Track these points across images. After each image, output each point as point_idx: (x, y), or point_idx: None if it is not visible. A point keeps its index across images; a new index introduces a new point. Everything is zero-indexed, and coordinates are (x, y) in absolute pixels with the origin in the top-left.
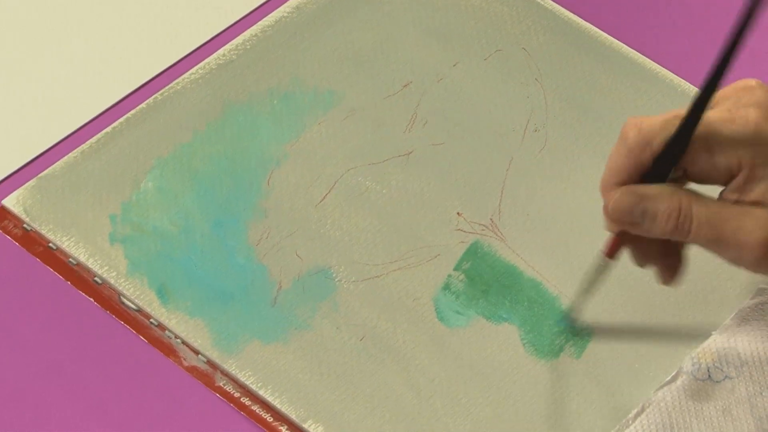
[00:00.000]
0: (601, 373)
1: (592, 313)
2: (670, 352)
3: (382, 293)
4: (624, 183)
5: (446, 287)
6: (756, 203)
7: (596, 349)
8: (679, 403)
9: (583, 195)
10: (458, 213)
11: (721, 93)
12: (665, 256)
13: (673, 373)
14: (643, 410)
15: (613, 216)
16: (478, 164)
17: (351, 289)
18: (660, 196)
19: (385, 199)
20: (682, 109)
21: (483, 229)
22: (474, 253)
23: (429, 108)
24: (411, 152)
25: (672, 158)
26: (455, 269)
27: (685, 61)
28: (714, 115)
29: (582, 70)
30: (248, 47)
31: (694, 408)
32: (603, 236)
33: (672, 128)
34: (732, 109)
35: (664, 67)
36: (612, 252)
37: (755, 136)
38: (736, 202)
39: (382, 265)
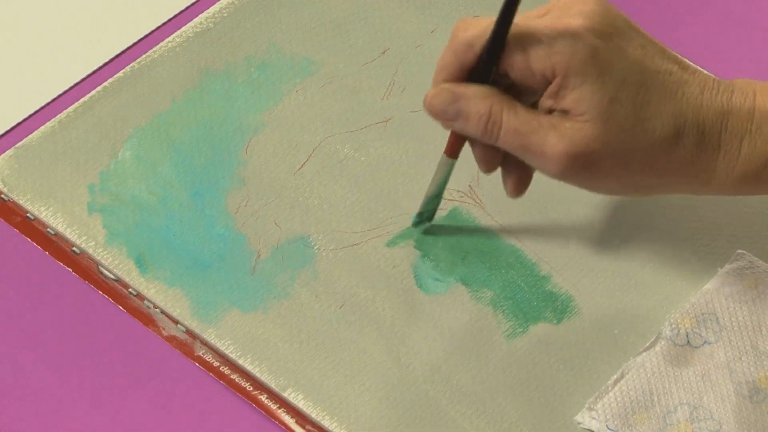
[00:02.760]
0: (580, 339)
1: (572, 279)
2: (649, 317)
3: (361, 261)
4: (450, 80)
5: (425, 254)
6: (565, 111)
7: (575, 315)
8: (659, 369)
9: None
10: None
11: (554, 2)
12: (509, 162)
13: (652, 339)
14: (622, 376)
15: (430, 110)
16: None
17: (330, 257)
18: (473, 98)
19: (363, 166)
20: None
21: (462, 196)
22: (453, 219)
23: (407, 75)
24: (389, 119)
25: (490, 60)
26: (434, 236)
27: (666, 32)
28: (537, 22)
29: None
30: (225, 15)
31: (674, 373)
32: (581, 201)
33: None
34: (558, 16)
35: None
36: (451, 149)
37: (572, 44)
38: (550, 110)
39: (361, 233)
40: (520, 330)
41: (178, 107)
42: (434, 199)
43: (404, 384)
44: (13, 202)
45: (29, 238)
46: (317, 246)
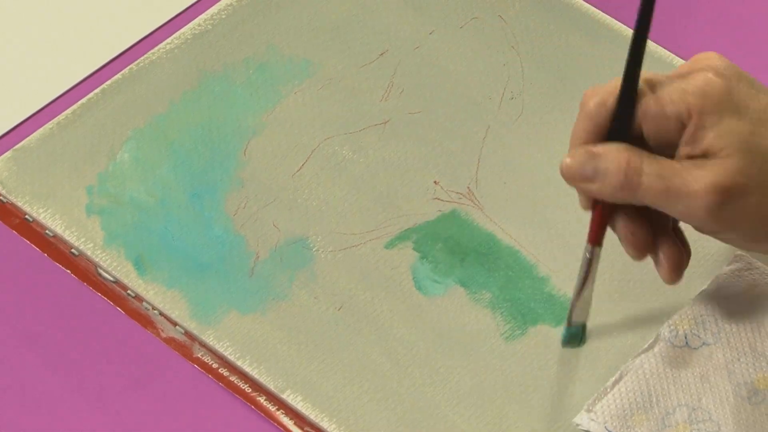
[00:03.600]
0: (578, 341)
1: (570, 281)
2: (647, 319)
3: (359, 263)
4: (584, 137)
5: (424, 256)
6: (706, 153)
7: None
8: (657, 370)
9: (559, 162)
10: (435, 182)
11: (682, 65)
12: (660, 245)
13: (651, 341)
14: (621, 378)
15: (567, 173)
16: (455, 132)
17: (328, 258)
18: (610, 152)
19: (362, 168)
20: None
21: (460, 198)
22: (451, 221)
23: (405, 77)
24: (388, 121)
25: (625, 112)
26: (432, 238)
27: (660, 28)
28: (666, 75)
29: (558, 38)
30: (224, 17)
31: (672, 374)
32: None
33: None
34: (685, 70)
35: None
36: (595, 236)
37: (705, 87)
38: (690, 156)
39: (360, 235)
40: (519, 332)
41: (177, 109)
42: (585, 305)
43: (403, 386)
44: (12, 204)
45: (28, 239)
46: (316, 247)
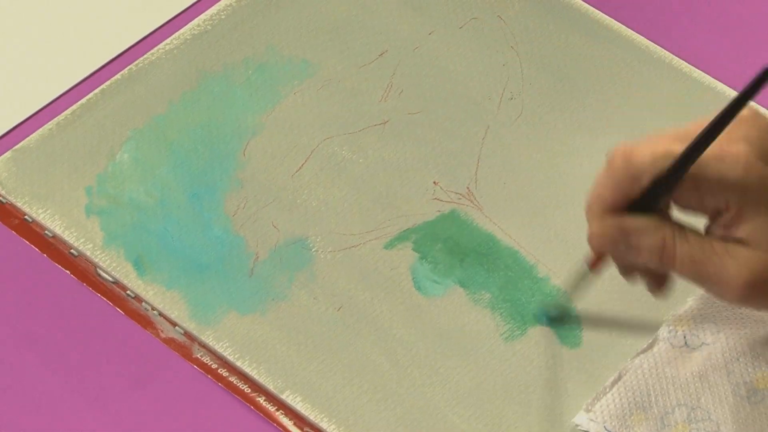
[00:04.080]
0: (578, 341)
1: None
2: (646, 319)
3: (359, 263)
4: (609, 210)
5: (423, 256)
6: (741, 240)
7: (572, 317)
8: (656, 370)
9: (559, 163)
10: (435, 182)
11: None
12: (651, 269)
13: (650, 341)
14: (620, 378)
15: (597, 246)
16: (455, 133)
17: (328, 259)
18: (644, 231)
19: (361, 168)
20: (672, 141)
21: (460, 198)
22: (451, 221)
23: (405, 77)
24: (387, 121)
25: (660, 195)
26: (432, 238)
27: (660, 28)
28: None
29: (558, 38)
30: (223, 17)
31: (671, 374)
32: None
33: (662, 165)
34: (723, 145)
35: (639, 34)
36: (596, 267)
37: (744, 177)
38: (722, 237)
39: (359, 235)
40: (519, 332)
41: (176, 109)
42: (569, 305)
43: (402, 386)
44: (11, 205)
45: (27, 240)
46: (315, 248)
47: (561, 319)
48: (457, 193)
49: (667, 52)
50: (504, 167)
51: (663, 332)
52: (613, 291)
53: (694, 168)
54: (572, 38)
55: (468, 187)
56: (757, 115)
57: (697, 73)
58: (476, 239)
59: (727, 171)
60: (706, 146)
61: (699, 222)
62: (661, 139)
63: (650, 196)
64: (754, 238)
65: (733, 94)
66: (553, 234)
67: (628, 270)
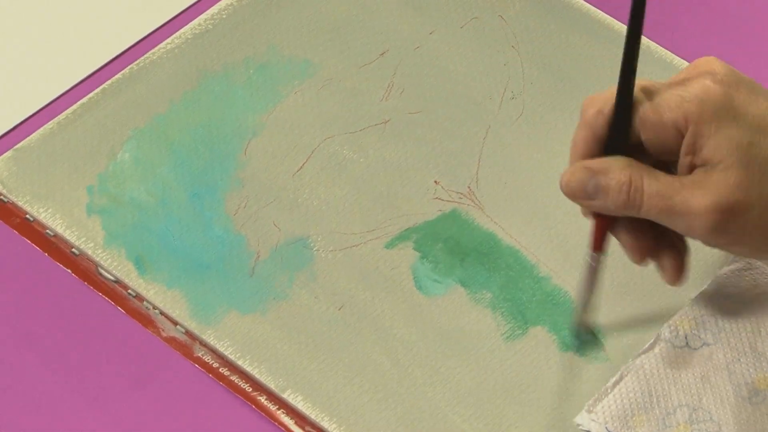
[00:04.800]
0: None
1: (571, 281)
2: (647, 319)
3: (360, 262)
4: (584, 149)
5: (424, 256)
6: (705, 163)
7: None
8: (658, 371)
9: (560, 162)
10: (436, 181)
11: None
12: (661, 249)
13: (651, 341)
14: (621, 378)
15: (567, 191)
16: (456, 132)
17: (329, 258)
18: (611, 170)
19: (362, 168)
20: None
21: (461, 198)
22: (452, 221)
23: (405, 76)
24: (388, 121)
25: (623, 120)
26: (433, 238)
27: (661, 28)
28: (665, 82)
29: (558, 37)
30: (224, 17)
31: (673, 375)
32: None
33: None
34: (683, 77)
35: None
36: (598, 243)
37: (703, 92)
38: (692, 166)
39: (360, 234)
40: (520, 332)
41: (177, 109)
42: (590, 308)
43: (403, 385)
44: (12, 204)
45: (28, 239)
46: (316, 247)
47: (592, 341)
48: (458, 192)
49: (668, 52)
50: (505, 167)
51: (664, 332)
52: (614, 290)
53: (653, 93)
54: (573, 38)
55: (469, 187)
56: (719, 60)
57: (677, 61)
58: (477, 239)
59: (684, 90)
60: (638, 38)
61: None
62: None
63: (616, 128)
64: (716, 156)
65: None
66: (554, 233)
67: (632, 247)
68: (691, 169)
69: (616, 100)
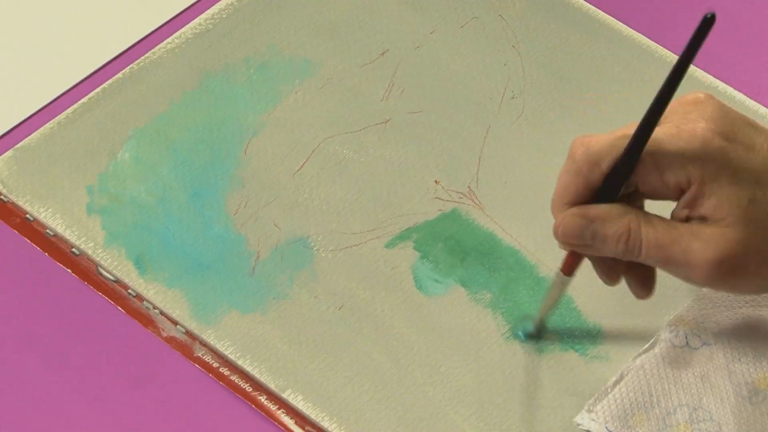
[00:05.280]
0: (579, 341)
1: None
2: (648, 319)
3: (360, 262)
4: (574, 203)
5: (424, 256)
6: (704, 219)
7: (574, 317)
8: (658, 371)
9: (560, 163)
10: (436, 181)
11: (670, 107)
12: (632, 269)
13: (651, 341)
14: (621, 378)
15: (563, 239)
16: (456, 132)
17: (329, 258)
18: (609, 218)
19: (362, 167)
20: (629, 127)
21: (461, 197)
22: (452, 221)
23: (406, 76)
24: (388, 120)
25: (621, 178)
26: (433, 237)
27: (661, 28)
28: (661, 131)
29: (559, 37)
30: (224, 16)
31: (673, 375)
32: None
33: (620, 148)
34: (680, 124)
35: (641, 33)
36: (570, 270)
37: (703, 151)
38: (687, 218)
39: (360, 234)
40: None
41: (177, 108)
42: (548, 316)
43: (403, 385)
44: (13, 203)
45: (28, 239)
46: (316, 247)
47: (537, 334)
48: (458, 192)
49: (668, 51)
50: (505, 166)
51: (665, 333)
52: (615, 290)
53: (653, 147)
54: (573, 37)
55: (469, 187)
56: (711, 97)
57: (699, 73)
58: (477, 238)
59: (685, 145)
60: (659, 115)
61: (667, 214)
62: (615, 131)
63: (612, 180)
64: (718, 214)
65: (734, 93)
66: None
67: (605, 271)
68: (687, 218)
69: (620, 160)
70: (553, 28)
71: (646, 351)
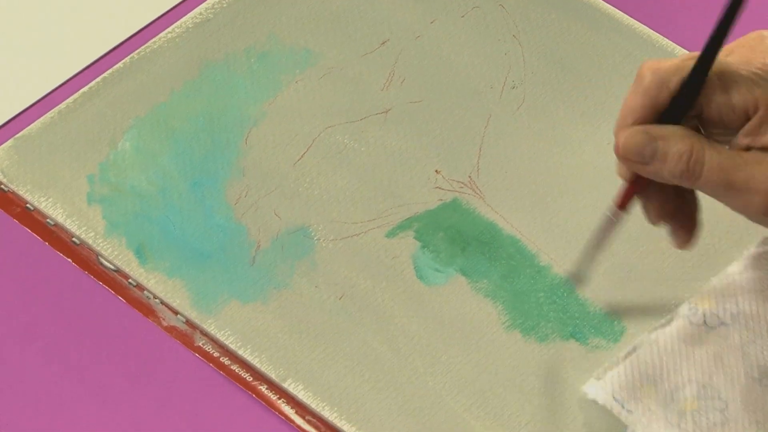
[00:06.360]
0: (580, 330)
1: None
2: (652, 306)
3: (360, 252)
4: (638, 120)
5: (425, 245)
6: (766, 148)
7: (577, 304)
8: (671, 346)
9: (561, 152)
10: (437, 171)
11: (737, 43)
12: (679, 214)
13: (668, 316)
14: (634, 350)
15: (623, 154)
16: (456, 122)
17: (330, 247)
18: (672, 137)
19: (363, 157)
20: (693, 54)
21: (461, 187)
22: (453, 210)
23: (406, 66)
24: (389, 110)
25: (688, 97)
26: (434, 227)
27: (662, 17)
28: (731, 59)
29: (559, 27)
30: (225, 6)
31: (686, 351)
32: (581, 192)
33: (689, 68)
34: (749, 54)
35: (641, 22)
36: (624, 202)
37: None
38: (748, 147)
39: (361, 224)
40: (520, 321)
41: (178, 98)
42: (594, 259)
43: (404, 375)
44: (13, 193)
45: (29, 228)
46: (317, 236)
47: (581, 277)
48: (458, 181)
49: (669, 41)
50: (506, 156)
51: (683, 309)
52: (618, 278)
53: (722, 71)
54: (574, 27)
55: (470, 176)
56: None
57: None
58: (478, 228)
59: (754, 71)
60: (727, 30)
61: None
62: (682, 56)
63: (679, 101)
64: None
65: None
66: (555, 223)
67: (653, 207)
68: (747, 149)
69: (688, 78)
70: (554, 17)
71: (663, 326)
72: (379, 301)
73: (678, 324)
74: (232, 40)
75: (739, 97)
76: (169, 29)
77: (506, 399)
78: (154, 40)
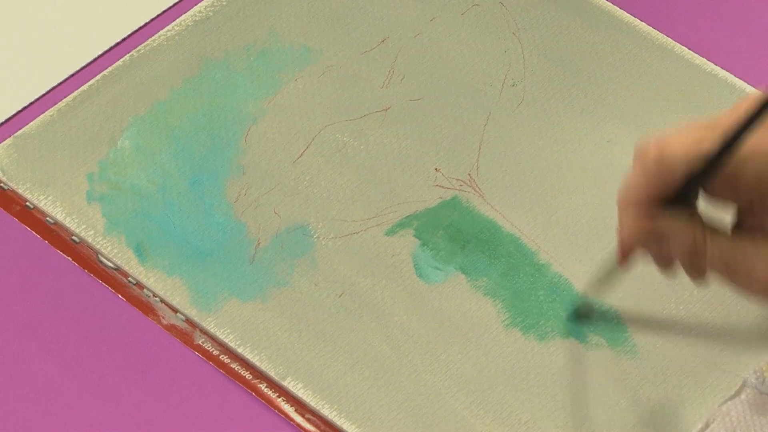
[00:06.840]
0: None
1: (571, 268)
2: (654, 300)
3: (360, 250)
4: (642, 204)
5: (425, 243)
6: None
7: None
8: (744, 418)
9: (561, 150)
10: (436, 169)
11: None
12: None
13: (738, 387)
14: (707, 425)
15: (627, 243)
16: (456, 119)
17: (329, 245)
18: (676, 232)
19: (362, 155)
20: (704, 130)
21: (461, 185)
22: (452, 208)
23: (406, 63)
24: (388, 108)
25: (694, 189)
26: (433, 225)
27: (662, 15)
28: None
29: (559, 24)
30: (224, 3)
31: (759, 422)
32: (581, 190)
33: (697, 154)
34: (761, 135)
35: (641, 20)
36: (624, 262)
37: None
38: (750, 228)
39: (361, 222)
40: (520, 319)
41: (178, 96)
42: (595, 302)
43: (403, 373)
44: (12, 191)
45: (28, 226)
46: (316, 234)
47: (588, 315)
48: (458, 179)
49: (669, 39)
50: (506, 154)
51: (750, 378)
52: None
53: (730, 165)
54: (574, 25)
55: (469, 174)
56: None
57: (700, 60)
58: (478, 226)
59: (764, 164)
60: (740, 141)
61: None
62: (691, 131)
63: (684, 192)
64: None
65: (735, 81)
66: (555, 221)
67: (663, 264)
68: (747, 227)
69: (703, 167)
70: (553, 15)
71: (732, 398)
72: (378, 299)
73: (747, 394)
74: (232, 38)
75: (746, 193)
76: (169, 27)
77: (505, 397)
78: (153, 38)
